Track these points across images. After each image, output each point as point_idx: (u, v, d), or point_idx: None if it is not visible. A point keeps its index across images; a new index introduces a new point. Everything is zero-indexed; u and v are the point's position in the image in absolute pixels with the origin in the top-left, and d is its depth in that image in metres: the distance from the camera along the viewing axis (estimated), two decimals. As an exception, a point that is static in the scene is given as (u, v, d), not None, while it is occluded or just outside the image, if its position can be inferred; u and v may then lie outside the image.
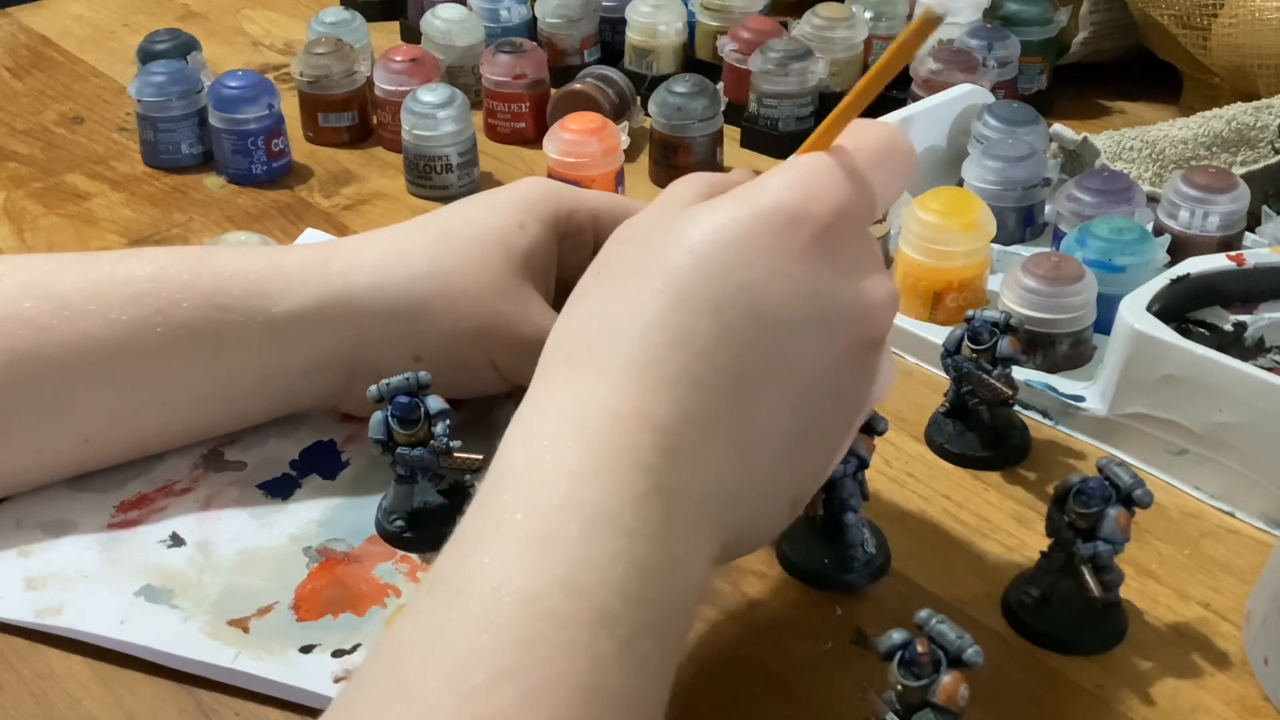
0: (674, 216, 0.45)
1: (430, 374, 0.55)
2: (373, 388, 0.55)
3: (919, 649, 0.42)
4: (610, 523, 0.39)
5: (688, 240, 0.44)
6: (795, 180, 0.45)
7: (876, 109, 0.83)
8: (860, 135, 0.46)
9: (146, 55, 0.95)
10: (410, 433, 0.55)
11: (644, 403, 0.42)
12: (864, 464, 0.53)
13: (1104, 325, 0.65)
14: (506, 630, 0.37)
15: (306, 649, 0.51)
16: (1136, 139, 0.79)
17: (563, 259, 0.62)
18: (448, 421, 0.55)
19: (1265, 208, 0.75)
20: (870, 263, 0.46)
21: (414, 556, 0.56)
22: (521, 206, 0.60)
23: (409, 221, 0.61)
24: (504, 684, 0.36)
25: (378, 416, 0.55)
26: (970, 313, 0.61)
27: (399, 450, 0.55)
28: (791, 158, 0.46)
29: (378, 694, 0.38)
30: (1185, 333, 0.61)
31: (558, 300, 0.58)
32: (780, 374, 0.44)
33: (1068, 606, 0.52)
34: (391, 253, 0.59)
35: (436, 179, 0.86)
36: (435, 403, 0.55)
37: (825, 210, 0.44)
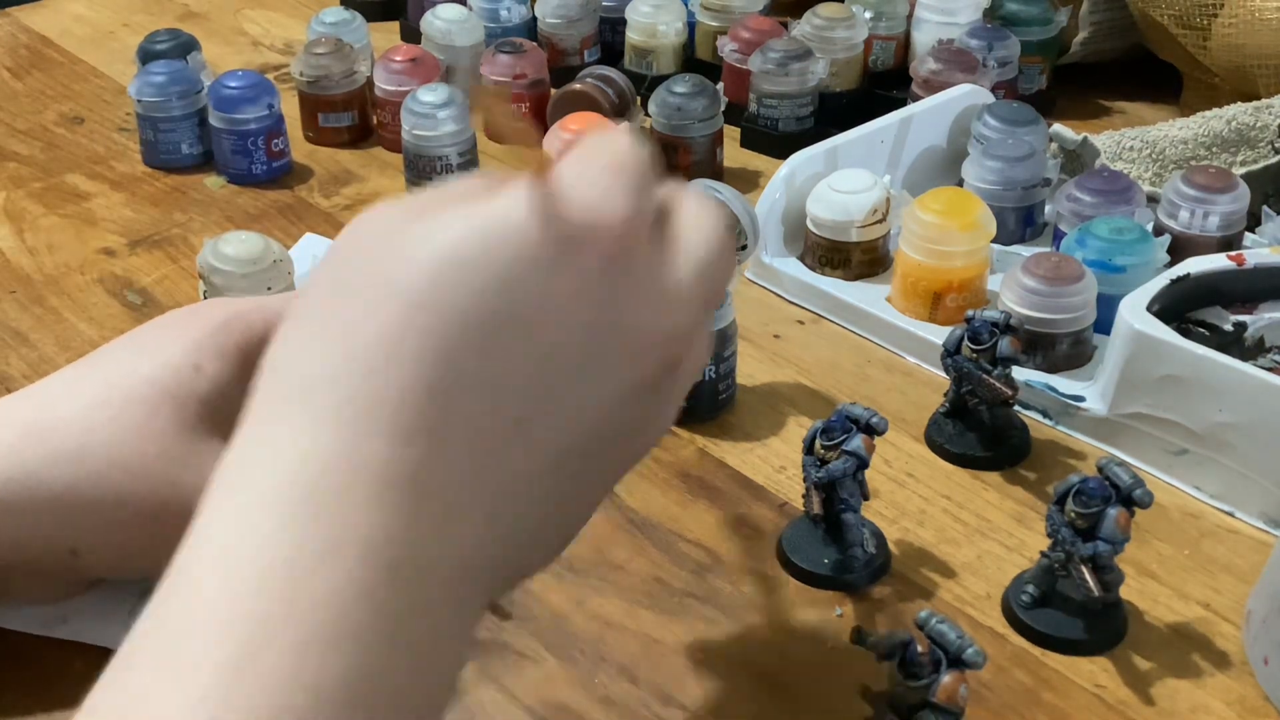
0: (411, 224, 0.37)
1: None
2: None
3: (919, 649, 0.42)
4: (336, 627, 0.32)
5: (429, 257, 0.35)
6: (578, 189, 0.37)
7: (877, 111, 0.84)
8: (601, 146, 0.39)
9: (146, 55, 0.95)
10: None
11: (379, 460, 0.34)
12: (864, 464, 0.53)
13: (1104, 325, 0.65)
14: None
15: None
16: (1136, 139, 0.79)
17: None
18: None
19: (1265, 208, 0.75)
20: (665, 281, 0.39)
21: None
22: (196, 342, 0.49)
23: (65, 370, 0.50)
24: None
25: None
26: (970, 313, 0.61)
27: None
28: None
29: None
30: (1185, 333, 0.61)
31: None
32: (553, 417, 0.37)
33: (1068, 606, 0.52)
34: (28, 431, 0.48)
35: (436, 179, 0.86)
36: None
37: (615, 223, 0.37)
